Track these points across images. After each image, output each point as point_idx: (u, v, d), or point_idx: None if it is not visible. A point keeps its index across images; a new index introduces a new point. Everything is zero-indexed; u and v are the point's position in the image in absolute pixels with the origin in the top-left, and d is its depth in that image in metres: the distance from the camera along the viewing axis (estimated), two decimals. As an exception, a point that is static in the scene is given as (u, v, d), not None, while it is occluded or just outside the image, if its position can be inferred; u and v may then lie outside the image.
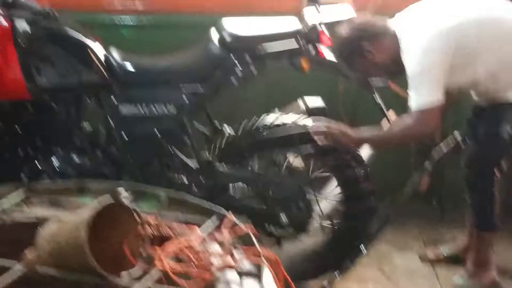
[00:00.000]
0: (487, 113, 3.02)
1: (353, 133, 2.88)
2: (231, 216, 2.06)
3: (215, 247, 1.91)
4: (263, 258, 1.82)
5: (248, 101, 3.59)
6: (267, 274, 1.81)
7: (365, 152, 3.09)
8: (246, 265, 1.84)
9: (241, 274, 1.81)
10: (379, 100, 2.95)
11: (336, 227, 3.04)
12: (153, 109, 2.89)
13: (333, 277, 3.01)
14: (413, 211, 4.02)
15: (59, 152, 2.95)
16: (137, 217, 1.85)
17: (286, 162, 3.04)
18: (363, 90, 3.03)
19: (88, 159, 2.97)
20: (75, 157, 2.97)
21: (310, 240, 3.10)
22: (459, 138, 3.09)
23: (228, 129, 3.08)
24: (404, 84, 2.84)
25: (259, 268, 1.82)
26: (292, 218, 2.95)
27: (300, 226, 2.98)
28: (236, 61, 2.86)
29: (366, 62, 2.91)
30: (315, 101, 3.10)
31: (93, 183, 2.25)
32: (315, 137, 2.85)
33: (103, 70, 2.89)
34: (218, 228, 2.02)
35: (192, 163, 2.95)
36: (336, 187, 3.04)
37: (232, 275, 1.80)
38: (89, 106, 3.00)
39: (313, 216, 2.98)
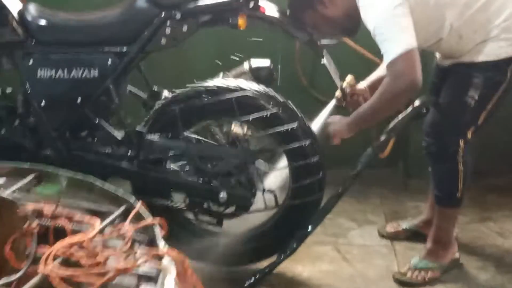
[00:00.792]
0: (451, 76, 2.73)
1: (345, 121, 2.65)
2: (140, 206, 1.75)
3: (117, 244, 1.62)
4: (164, 261, 1.52)
5: (196, 65, 3.28)
6: (170, 277, 1.52)
7: (316, 123, 2.81)
8: (147, 267, 1.54)
9: (140, 277, 1.52)
10: (328, 65, 2.61)
11: (281, 205, 2.73)
12: (73, 71, 2.58)
13: (277, 260, 2.72)
14: (376, 178, 3.79)
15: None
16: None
17: (227, 132, 2.72)
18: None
19: (5, 129, 2.64)
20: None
21: (253, 219, 2.80)
22: (418, 103, 2.77)
23: (166, 95, 2.79)
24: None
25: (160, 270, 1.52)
26: (233, 195, 2.64)
27: (242, 203, 2.68)
28: (165, 19, 2.53)
29: (318, 16, 2.60)
30: (261, 62, 2.79)
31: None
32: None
33: (16, 27, 2.56)
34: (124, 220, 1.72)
35: (119, 134, 2.62)
36: (282, 160, 2.73)
37: (129, 279, 1.51)
38: (5, 69, 2.65)
39: (256, 193, 2.67)
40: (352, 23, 2.60)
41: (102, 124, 2.63)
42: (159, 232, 1.65)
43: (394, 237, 3.22)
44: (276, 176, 2.76)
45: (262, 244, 2.82)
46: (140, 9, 2.56)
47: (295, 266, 2.96)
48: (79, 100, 2.60)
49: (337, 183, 2.77)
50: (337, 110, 2.90)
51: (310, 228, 2.69)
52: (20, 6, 2.63)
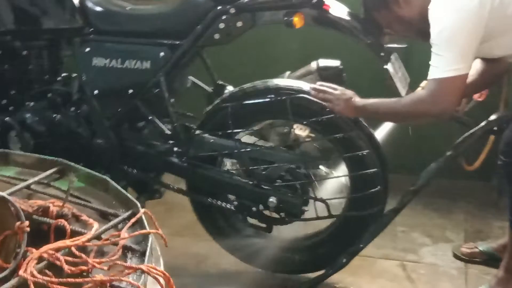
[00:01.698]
0: None
1: (357, 100, 2.42)
2: (142, 214, 1.66)
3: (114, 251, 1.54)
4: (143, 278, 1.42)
5: (265, 63, 3.18)
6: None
7: (381, 133, 2.61)
8: (125, 282, 1.44)
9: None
10: (394, 71, 2.39)
11: (335, 217, 2.56)
12: (126, 61, 2.53)
13: (325, 273, 2.56)
14: (464, 191, 3.54)
15: (32, 107, 2.65)
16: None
17: (287, 134, 2.58)
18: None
19: (61, 115, 2.64)
20: (48, 113, 2.65)
21: (304, 228, 2.65)
22: (492, 118, 2.50)
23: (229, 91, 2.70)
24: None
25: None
26: (283, 201, 2.50)
27: (292, 210, 2.53)
28: (219, 14, 2.42)
29: (392, 16, 2.40)
30: (329, 62, 2.63)
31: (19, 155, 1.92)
32: (314, 98, 2.45)
33: (76, 15, 2.57)
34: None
35: (168, 128, 2.55)
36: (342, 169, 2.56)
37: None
38: (65, 55, 2.66)
39: (308, 201, 2.52)
40: (428, 25, 2.38)
41: (152, 116, 2.56)
42: (151, 245, 1.55)
43: (469, 259, 2.95)
44: (333, 185, 2.59)
45: (315, 255, 2.66)
46: (195, 2, 2.48)
47: (354, 279, 2.79)
48: (130, 91, 2.55)
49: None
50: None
51: (362, 244, 2.50)
52: (80, -7, 2.62)
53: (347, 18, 2.43)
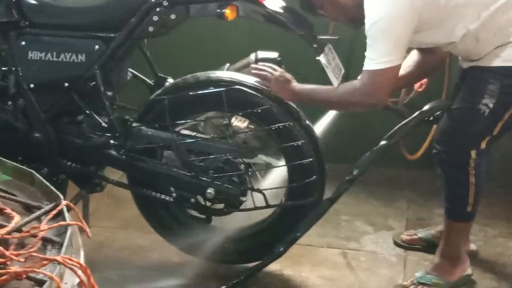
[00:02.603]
0: (467, 80, 2.50)
1: (295, 84, 2.47)
2: (64, 206, 1.66)
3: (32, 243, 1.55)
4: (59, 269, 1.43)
5: (206, 55, 3.21)
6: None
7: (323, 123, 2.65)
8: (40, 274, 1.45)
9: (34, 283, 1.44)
10: (327, 62, 2.43)
11: (272, 207, 2.59)
12: (61, 54, 2.53)
13: (262, 262, 2.59)
14: (408, 180, 3.60)
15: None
16: None
17: (227, 125, 2.60)
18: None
19: (-1, 110, 2.64)
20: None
21: (243, 218, 2.68)
22: (426, 109, 2.56)
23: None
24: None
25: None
26: (222, 192, 2.52)
27: (231, 201, 2.56)
28: (153, 7, 2.44)
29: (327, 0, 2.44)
30: (268, 54, 2.66)
31: None
32: (253, 75, 2.51)
33: (11, 8, 2.56)
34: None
35: (105, 121, 2.56)
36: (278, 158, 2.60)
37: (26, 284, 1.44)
38: (2, 51, 2.66)
39: (246, 191, 2.55)
40: (362, 13, 2.41)
41: (88, 109, 2.57)
42: (69, 236, 1.56)
43: (408, 245, 3.01)
44: (273, 175, 2.63)
45: (256, 245, 2.70)
46: (128, -5, 2.48)
47: (295, 267, 2.83)
48: (66, 84, 2.55)
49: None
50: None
51: (299, 233, 2.54)
52: (16, -15, 2.60)
53: (281, 10, 2.45)
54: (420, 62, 2.63)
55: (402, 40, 2.31)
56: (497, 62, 2.37)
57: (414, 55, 2.64)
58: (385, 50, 2.30)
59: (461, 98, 2.50)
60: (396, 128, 2.56)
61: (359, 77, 2.46)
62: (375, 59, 2.30)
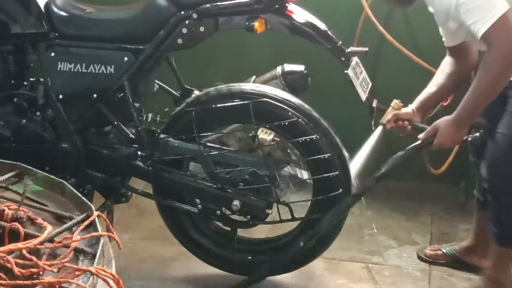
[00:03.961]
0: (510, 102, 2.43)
1: (449, 118, 2.38)
2: (95, 216, 1.68)
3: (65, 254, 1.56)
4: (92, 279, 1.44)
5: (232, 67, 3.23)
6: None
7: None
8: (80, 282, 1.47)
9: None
10: (355, 76, 2.43)
11: (298, 220, 2.59)
12: (90, 66, 2.57)
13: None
14: (432, 194, 3.58)
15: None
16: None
17: (253, 138, 2.61)
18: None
19: (26, 119, 2.66)
20: (14, 118, 2.68)
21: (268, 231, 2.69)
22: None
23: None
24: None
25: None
26: (247, 204, 2.53)
27: (256, 213, 2.56)
28: (182, 19, 2.46)
29: None
30: (294, 67, 2.67)
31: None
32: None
33: (42, 19, 2.60)
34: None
35: (131, 132, 2.58)
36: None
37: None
38: (31, 59, 2.69)
39: (272, 204, 2.55)
40: None
41: (116, 121, 2.59)
42: (102, 247, 1.57)
43: (432, 260, 2.99)
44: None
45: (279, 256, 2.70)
46: (158, 7, 2.50)
47: (319, 281, 2.83)
48: (94, 95, 2.58)
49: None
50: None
51: (319, 231, 2.52)
52: (47, -3, 2.65)
53: (309, 23, 2.46)
54: (451, 74, 2.58)
55: None
56: None
57: (444, 68, 2.60)
58: (490, 2, 2.18)
59: (507, 123, 2.43)
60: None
61: (391, 106, 2.51)
62: (487, 15, 2.17)
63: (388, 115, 2.62)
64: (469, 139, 2.48)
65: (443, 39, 2.53)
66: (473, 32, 2.20)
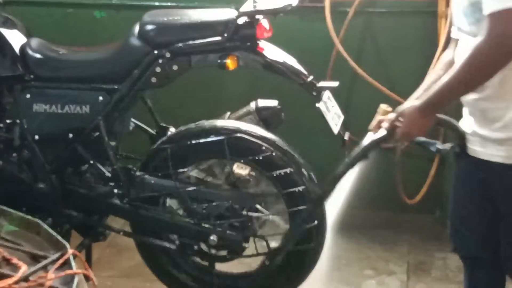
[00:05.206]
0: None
1: (416, 110, 2.05)
2: (70, 255, 1.70)
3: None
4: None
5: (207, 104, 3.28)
6: None
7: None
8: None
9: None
10: (326, 109, 2.48)
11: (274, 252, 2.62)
12: (65, 106, 2.60)
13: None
14: (409, 224, 3.62)
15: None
16: None
17: (229, 173, 2.64)
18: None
19: (2, 161, 2.68)
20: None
21: (245, 264, 2.71)
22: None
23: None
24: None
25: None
26: (224, 238, 2.55)
27: (233, 247, 2.58)
28: (155, 58, 2.51)
29: None
30: (268, 103, 2.71)
31: None
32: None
33: (17, 62, 2.64)
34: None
35: (108, 170, 2.60)
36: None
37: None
38: (6, 102, 2.72)
39: (249, 238, 2.58)
40: None
41: (92, 160, 2.62)
42: (76, 285, 1.59)
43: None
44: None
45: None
46: (131, 47, 2.56)
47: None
48: (70, 135, 2.60)
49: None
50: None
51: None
52: (24, 40, 2.68)
53: (280, 59, 2.52)
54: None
55: None
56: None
57: (445, 58, 2.29)
58: None
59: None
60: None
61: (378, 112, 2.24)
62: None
63: (374, 121, 2.37)
64: (440, 148, 2.23)
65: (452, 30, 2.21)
66: (483, 8, 1.86)
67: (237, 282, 2.75)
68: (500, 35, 1.82)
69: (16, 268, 1.67)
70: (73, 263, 1.67)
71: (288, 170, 2.52)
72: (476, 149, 2.05)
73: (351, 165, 2.24)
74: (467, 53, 1.90)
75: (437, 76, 2.23)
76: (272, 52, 2.54)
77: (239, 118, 2.72)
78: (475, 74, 1.92)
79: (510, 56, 1.85)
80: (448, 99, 2.03)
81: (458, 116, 2.17)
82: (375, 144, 2.20)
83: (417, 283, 3.14)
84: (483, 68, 1.90)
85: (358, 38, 3.57)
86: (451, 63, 2.16)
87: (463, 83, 1.94)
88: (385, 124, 2.17)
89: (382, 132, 2.17)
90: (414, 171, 3.60)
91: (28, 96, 2.63)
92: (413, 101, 2.11)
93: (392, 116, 2.15)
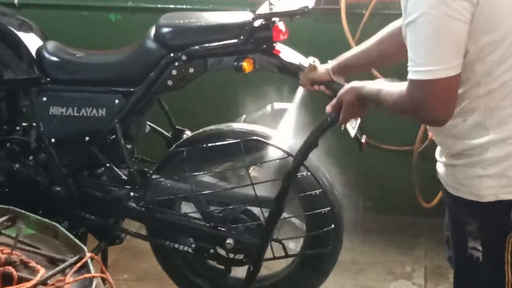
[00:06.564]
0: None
1: (357, 97, 1.94)
2: (88, 258, 1.69)
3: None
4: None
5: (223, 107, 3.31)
6: None
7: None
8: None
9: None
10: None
11: (291, 256, 2.61)
12: (82, 109, 2.61)
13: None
14: (426, 228, 3.60)
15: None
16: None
17: (245, 176, 2.63)
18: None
19: (19, 164, 2.68)
20: (6, 163, 2.70)
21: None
22: None
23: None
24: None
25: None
26: (241, 242, 2.54)
27: (251, 251, 2.57)
28: (171, 61, 2.51)
29: None
30: (284, 105, 2.70)
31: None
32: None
33: (33, 65, 2.65)
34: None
35: (123, 174, 2.60)
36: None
37: None
38: (23, 105, 2.73)
39: (267, 241, 2.56)
40: None
41: (108, 163, 2.62)
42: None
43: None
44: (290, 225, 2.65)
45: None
46: (147, 50, 2.56)
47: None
48: (87, 138, 2.61)
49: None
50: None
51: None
52: (40, 43, 2.69)
53: (296, 62, 2.50)
54: (386, 42, 2.12)
55: (456, 45, 1.66)
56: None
57: (389, 28, 2.11)
58: (431, 58, 1.65)
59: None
60: None
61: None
62: (422, 66, 1.66)
63: (304, 77, 2.33)
64: None
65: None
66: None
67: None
68: (418, 104, 1.70)
69: (34, 271, 1.66)
70: (91, 267, 1.67)
71: (304, 173, 2.51)
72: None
73: (304, 154, 2.21)
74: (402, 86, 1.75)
75: (362, 50, 2.19)
76: (288, 54, 2.53)
77: (255, 121, 2.71)
78: (399, 113, 1.92)
79: (427, 123, 1.92)
80: (380, 106, 1.90)
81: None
82: (324, 131, 2.16)
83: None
84: (404, 115, 1.88)
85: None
86: (387, 38, 2.09)
87: (391, 109, 1.85)
88: (328, 108, 2.07)
89: (323, 122, 2.14)
90: (431, 175, 3.57)
91: (44, 99, 2.64)
92: (353, 85, 1.96)
93: (333, 102, 2.04)
